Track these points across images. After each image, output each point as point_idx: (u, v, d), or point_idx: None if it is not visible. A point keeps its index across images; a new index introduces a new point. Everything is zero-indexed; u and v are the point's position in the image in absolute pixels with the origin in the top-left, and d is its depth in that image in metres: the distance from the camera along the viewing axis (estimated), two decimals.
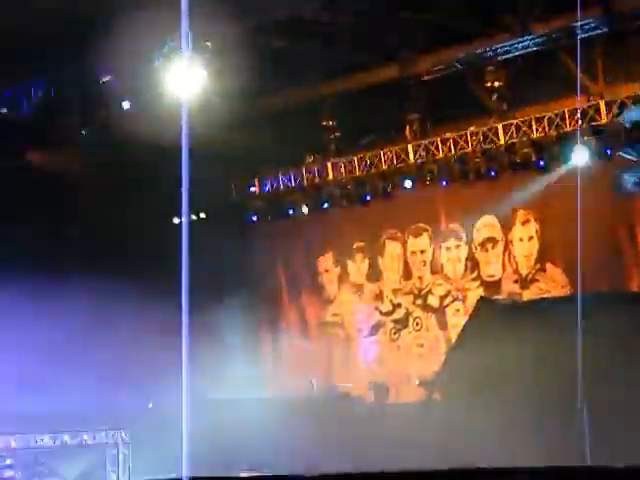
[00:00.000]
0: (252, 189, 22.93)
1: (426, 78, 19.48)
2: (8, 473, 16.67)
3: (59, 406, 17.58)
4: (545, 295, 19.38)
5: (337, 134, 21.62)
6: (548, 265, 19.72)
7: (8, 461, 16.97)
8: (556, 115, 18.44)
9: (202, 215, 23.52)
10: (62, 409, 17.54)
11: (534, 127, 18.63)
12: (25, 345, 19.62)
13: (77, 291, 20.55)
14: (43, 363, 19.24)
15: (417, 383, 20.76)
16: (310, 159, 22.04)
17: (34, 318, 18.94)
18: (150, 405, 20.49)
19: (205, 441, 14.37)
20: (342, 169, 21.41)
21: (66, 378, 18.60)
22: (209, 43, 16.81)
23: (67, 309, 19.26)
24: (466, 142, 19.53)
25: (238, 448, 15.78)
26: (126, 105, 19.11)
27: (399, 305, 21.99)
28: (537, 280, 19.84)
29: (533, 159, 18.71)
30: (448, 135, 19.83)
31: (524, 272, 20.09)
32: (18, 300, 18.64)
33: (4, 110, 18.05)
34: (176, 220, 23.75)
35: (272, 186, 22.56)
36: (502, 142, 19.02)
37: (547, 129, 18.48)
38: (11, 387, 18.24)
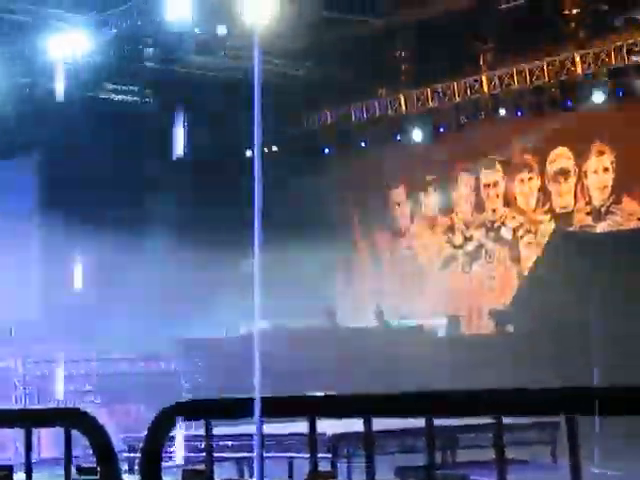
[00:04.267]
0: (323, 121, 22.87)
1: (502, 7, 19.10)
2: (88, 398, 17.21)
3: (136, 335, 18.03)
4: (621, 227, 19.11)
5: (410, 65, 21.39)
6: (624, 197, 19.42)
7: (87, 387, 17.52)
8: (635, 44, 17.96)
9: (274, 148, 23.59)
10: (140, 338, 17.98)
11: (613, 56, 18.18)
12: (105, 278, 20.08)
13: (156, 224, 20.93)
14: (122, 295, 19.71)
15: (489, 316, 20.75)
16: (382, 90, 21.87)
17: (115, 245, 19.38)
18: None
19: (277, 367, 14.65)
20: (415, 101, 21.22)
21: (142, 309, 19.04)
22: None
23: (148, 240, 19.66)
24: (542, 72, 19.17)
25: (308, 374, 16.04)
26: (199, 36, 19.17)
27: (471, 238, 21.90)
28: (612, 212, 19.55)
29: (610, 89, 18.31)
30: (523, 65, 19.48)
31: (598, 204, 19.81)
32: (101, 230, 19.09)
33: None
34: (249, 153, 23.89)
35: (344, 118, 22.47)
36: (579, 72, 18.63)
37: (626, 58, 18.03)
38: (91, 314, 18.75)
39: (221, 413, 2.47)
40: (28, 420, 2.79)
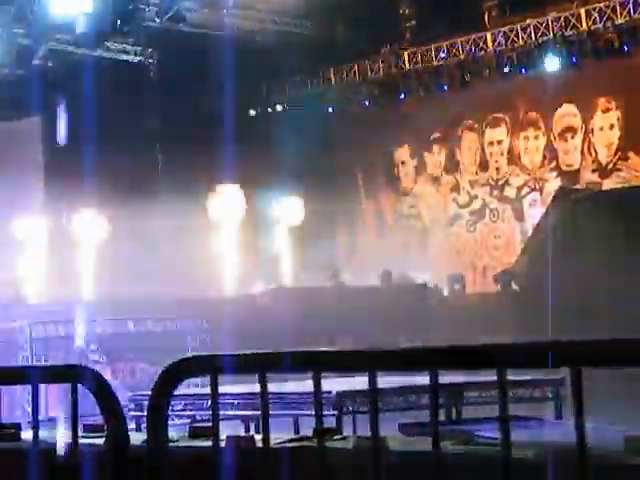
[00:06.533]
0: (328, 80, 22.73)
1: None
2: (93, 357, 17.27)
3: (143, 294, 18.04)
4: (626, 184, 19.04)
5: (414, 22, 21.21)
6: (630, 154, 19.33)
7: (92, 346, 17.57)
8: None
9: (278, 108, 23.50)
10: (145, 297, 18.00)
11: (618, 11, 18.01)
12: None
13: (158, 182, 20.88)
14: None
15: (494, 274, 20.74)
16: (386, 49, 21.70)
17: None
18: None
19: (281, 326, 14.72)
20: (419, 59, 21.07)
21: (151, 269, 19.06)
22: None
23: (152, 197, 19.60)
24: (547, 29, 19.01)
25: (311, 331, 16.11)
26: None
27: (476, 196, 21.85)
28: (618, 169, 19.47)
29: (616, 45, 18.16)
30: (528, 22, 19.31)
31: (604, 161, 19.73)
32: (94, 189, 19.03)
33: None
34: (252, 112, 23.80)
35: (348, 77, 22.33)
36: (585, 28, 18.46)
37: (632, 13, 17.85)
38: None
39: (227, 368, 2.46)
40: (33, 376, 2.79)
